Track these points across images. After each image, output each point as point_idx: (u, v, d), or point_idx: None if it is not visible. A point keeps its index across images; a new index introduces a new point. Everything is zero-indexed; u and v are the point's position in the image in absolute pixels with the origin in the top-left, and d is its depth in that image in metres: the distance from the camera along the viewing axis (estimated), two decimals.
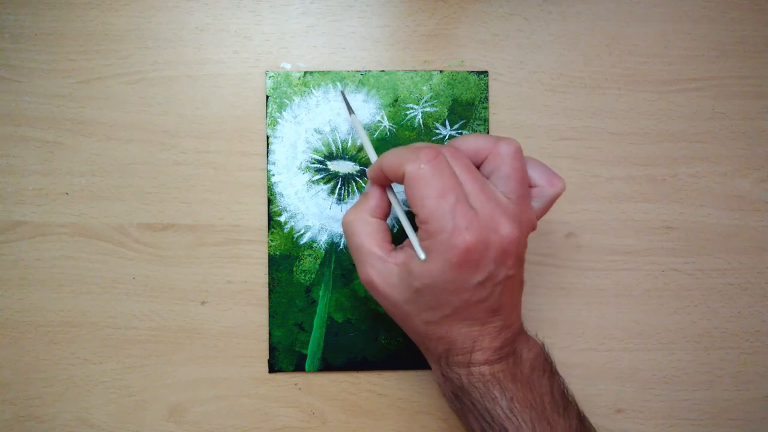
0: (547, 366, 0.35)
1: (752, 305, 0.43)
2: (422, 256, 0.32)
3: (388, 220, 0.38)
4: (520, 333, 0.35)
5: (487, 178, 0.34)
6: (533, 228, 0.34)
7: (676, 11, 0.43)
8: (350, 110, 0.40)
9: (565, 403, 0.34)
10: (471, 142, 0.34)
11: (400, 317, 0.35)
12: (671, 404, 0.43)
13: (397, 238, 0.41)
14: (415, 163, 0.31)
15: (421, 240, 0.32)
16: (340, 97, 0.42)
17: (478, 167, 0.34)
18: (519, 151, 0.33)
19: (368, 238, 0.34)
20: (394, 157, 0.33)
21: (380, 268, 0.34)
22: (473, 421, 0.34)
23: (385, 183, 0.35)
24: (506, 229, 0.32)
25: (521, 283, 0.35)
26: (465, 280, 0.32)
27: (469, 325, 0.33)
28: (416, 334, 0.35)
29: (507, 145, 0.33)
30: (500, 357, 0.34)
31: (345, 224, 0.35)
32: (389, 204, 0.36)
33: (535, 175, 0.34)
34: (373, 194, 0.35)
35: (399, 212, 0.35)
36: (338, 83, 0.42)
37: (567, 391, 0.35)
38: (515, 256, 0.32)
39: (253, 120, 0.42)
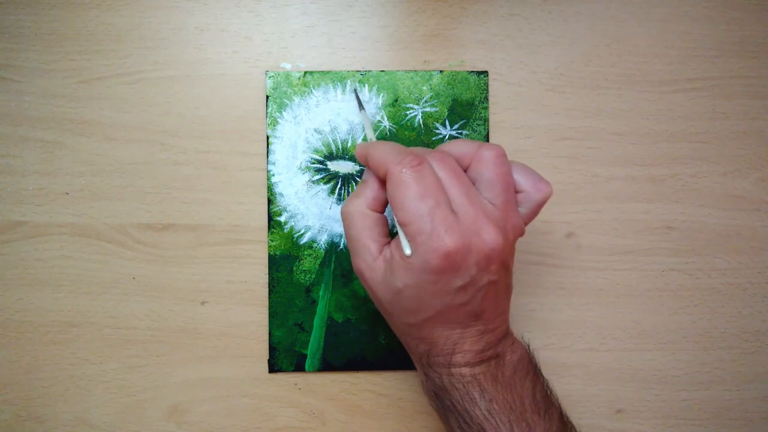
0: (530, 368, 0.35)
1: (752, 305, 0.43)
2: (408, 251, 0.32)
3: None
4: (505, 336, 0.35)
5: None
6: (521, 233, 0.34)
7: (676, 11, 0.43)
8: (361, 106, 0.40)
9: (547, 405, 0.34)
10: (456, 148, 0.34)
11: (385, 314, 0.35)
12: (671, 404, 0.43)
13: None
14: (399, 166, 0.31)
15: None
16: (339, 98, 0.42)
17: None
18: (501, 155, 0.33)
19: (364, 232, 0.34)
20: (380, 154, 0.33)
21: (371, 264, 0.34)
22: (453, 421, 0.34)
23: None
24: (489, 234, 0.31)
25: (507, 288, 0.35)
26: (445, 284, 0.32)
27: (451, 328, 0.33)
28: (399, 332, 0.36)
29: (489, 150, 0.33)
30: (481, 360, 0.33)
31: (343, 214, 0.35)
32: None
33: (521, 180, 0.34)
34: (372, 185, 0.34)
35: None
36: (354, 82, 0.42)
37: (550, 393, 0.35)
38: (499, 262, 0.32)
39: (253, 120, 0.42)
